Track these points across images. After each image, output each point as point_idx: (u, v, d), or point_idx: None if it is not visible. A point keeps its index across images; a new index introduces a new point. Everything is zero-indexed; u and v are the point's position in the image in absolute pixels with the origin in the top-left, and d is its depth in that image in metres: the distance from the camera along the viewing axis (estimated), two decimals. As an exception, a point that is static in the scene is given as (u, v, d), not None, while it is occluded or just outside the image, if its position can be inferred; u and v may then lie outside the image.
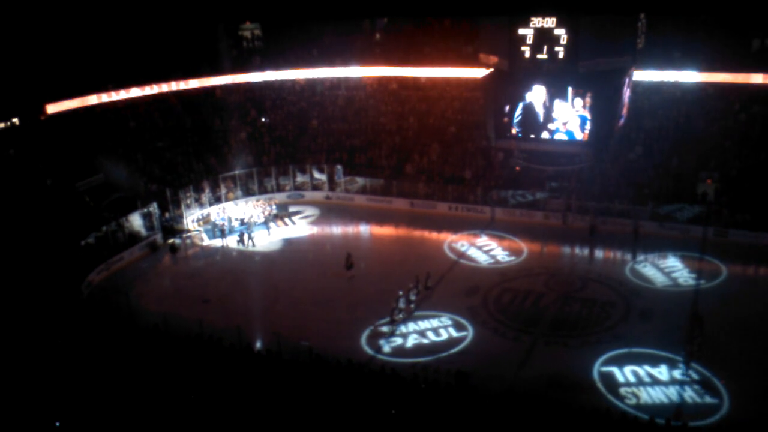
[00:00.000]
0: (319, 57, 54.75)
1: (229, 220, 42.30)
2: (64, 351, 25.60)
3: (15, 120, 43.42)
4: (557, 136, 31.83)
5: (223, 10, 53.45)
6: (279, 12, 53.92)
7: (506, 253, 37.76)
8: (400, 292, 31.00)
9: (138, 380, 23.43)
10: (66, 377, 23.73)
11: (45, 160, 41.95)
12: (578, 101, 31.03)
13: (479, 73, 45.09)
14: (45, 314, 28.59)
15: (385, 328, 30.05)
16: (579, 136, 31.43)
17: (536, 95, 32.00)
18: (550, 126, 31.49)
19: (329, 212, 45.42)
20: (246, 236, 40.27)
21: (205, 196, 44.70)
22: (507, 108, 32.65)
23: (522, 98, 32.35)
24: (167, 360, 25.11)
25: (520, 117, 32.45)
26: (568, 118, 31.37)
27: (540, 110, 31.89)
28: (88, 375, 23.86)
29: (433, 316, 30.96)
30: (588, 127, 31.08)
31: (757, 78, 42.32)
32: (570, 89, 30.96)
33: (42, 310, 28.93)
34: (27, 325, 27.39)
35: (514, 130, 32.57)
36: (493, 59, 33.62)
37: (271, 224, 42.53)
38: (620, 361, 26.59)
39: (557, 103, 31.28)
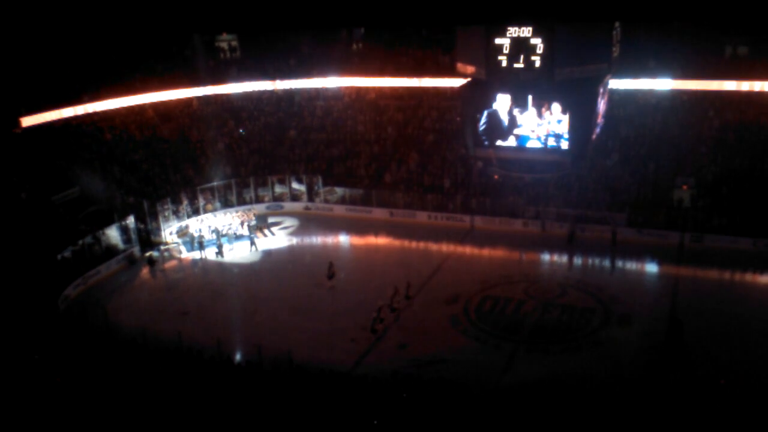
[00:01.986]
0: (297, 67, 54.73)
1: (216, 232, 41.94)
2: (41, 366, 25.22)
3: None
4: (530, 144, 32.16)
5: (200, 22, 53.24)
6: (255, 23, 53.80)
7: (486, 261, 37.93)
8: (380, 302, 30.96)
9: (116, 395, 23.14)
10: (43, 393, 23.38)
11: (20, 173, 41.44)
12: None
13: (457, 82, 45.43)
14: (21, 329, 28.15)
15: (366, 338, 29.95)
16: (557, 144, 31.79)
17: (501, 103, 32.41)
18: (516, 131, 31.85)
19: (309, 223, 45.29)
20: (225, 247, 40.21)
21: (183, 207, 44.38)
22: (483, 117, 32.97)
23: (497, 106, 32.69)
24: (146, 374, 24.82)
25: (485, 125, 32.79)
26: (535, 126, 31.84)
27: (505, 117, 32.29)
28: (65, 390, 23.53)
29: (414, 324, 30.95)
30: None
31: (730, 85, 42.94)
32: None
33: (18, 324, 28.50)
34: (2, 340, 26.95)
35: (486, 138, 32.81)
36: (471, 69, 33.80)
37: (249, 236, 42.24)
38: (601, 367, 26.75)
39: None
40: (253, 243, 40.97)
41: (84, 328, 30.13)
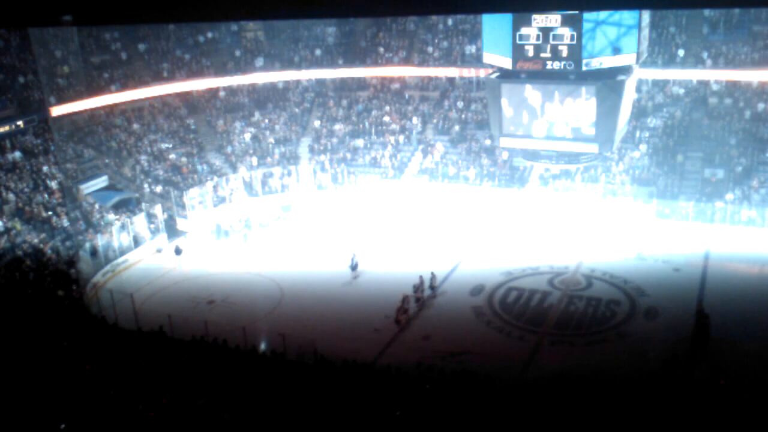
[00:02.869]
0: (322, 57, 54.73)
1: (243, 221, 42.30)
2: (70, 353, 25.62)
3: (20, 122, 43.51)
4: (558, 131, 31.95)
5: (226, 11, 53.42)
6: (281, 12, 53.86)
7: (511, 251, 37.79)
8: (404, 294, 30.99)
9: (143, 382, 23.45)
10: (71, 380, 23.76)
11: (50, 162, 42.02)
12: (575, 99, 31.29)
13: (483, 72, 45.24)
14: (49, 317, 28.62)
15: (390, 329, 30.03)
16: (584, 134, 31.58)
17: (532, 93, 32.30)
18: (547, 118, 31.72)
19: (333, 212, 45.36)
20: (251, 236, 40.58)
21: (210, 197, 44.75)
22: (511, 106, 32.88)
23: (524, 96, 32.58)
24: (172, 361, 25.13)
25: (514, 112, 32.82)
26: (568, 115, 31.64)
27: (536, 105, 32.20)
28: (93, 377, 23.90)
29: (438, 315, 30.95)
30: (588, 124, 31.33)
31: (761, 75, 42.19)
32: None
33: (47, 312, 28.97)
34: (32, 328, 27.43)
35: (512, 128, 32.78)
36: (497, 58, 33.65)
37: (274, 225, 42.59)
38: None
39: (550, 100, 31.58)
40: (281, 232, 41.15)
41: (112, 316, 30.54)
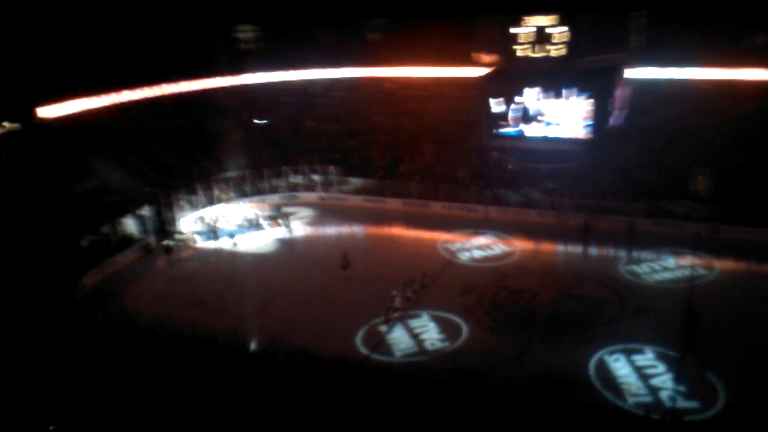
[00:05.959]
0: (314, 58, 54.68)
1: (231, 222, 42.22)
2: (59, 354, 25.47)
3: (6, 124, 43.23)
4: (551, 130, 32.09)
5: (218, 13, 53.41)
6: (274, 14, 53.91)
7: (500, 251, 37.78)
8: (394, 292, 30.95)
9: (133, 383, 23.35)
10: (60, 381, 23.63)
11: (37, 163, 41.78)
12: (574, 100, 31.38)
13: (473, 72, 45.30)
14: (39, 318, 28.43)
15: (381, 328, 29.98)
16: (574, 133, 31.69)
17: (525, 93, 32.41)
18: (539, 118, 31.85)
19: (323, 213, 45.31)
20: (240, 237, 40.46)
21: (199, 198, 44.59)
22: (503, 106, 32.96)
23: (516, 96, 32.69)
24: (162, 362, 25.02)
25: (518, 111, 32.90)
26: (562, 115, 31.65)
27: (528, 105, 32.35)
28: (82, 378, 23.77)
29: (429, 316, 30.93)
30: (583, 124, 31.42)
31: (749, 74, 42.46)
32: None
33: (36, 313, 28.78)
34: (21, 329, 27.25)
35: (503, 128, 32.86)
36: (489, 58, 33.79)
37: (266, 225, 42.51)
38: (615, 357, 26.60)
39: (551, 101, 31.58)
40: (288, 227, 41.29)
41: (101, 317, 30.38)
